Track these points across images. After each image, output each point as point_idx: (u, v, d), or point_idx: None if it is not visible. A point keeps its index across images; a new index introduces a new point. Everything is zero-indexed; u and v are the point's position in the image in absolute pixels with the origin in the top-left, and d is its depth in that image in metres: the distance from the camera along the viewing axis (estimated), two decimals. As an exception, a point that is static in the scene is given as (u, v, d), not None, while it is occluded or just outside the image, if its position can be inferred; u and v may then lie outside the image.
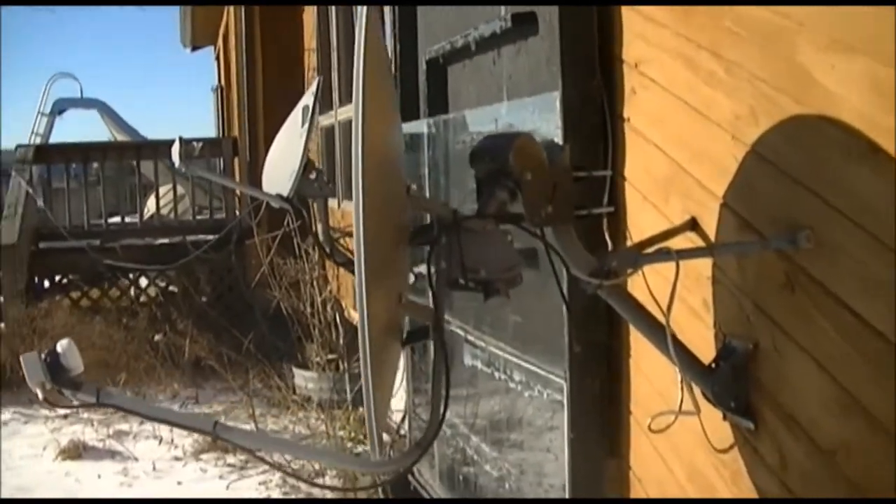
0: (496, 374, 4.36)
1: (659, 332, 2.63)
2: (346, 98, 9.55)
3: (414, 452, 2.15)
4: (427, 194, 5.42)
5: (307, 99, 6.42)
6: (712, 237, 2.84)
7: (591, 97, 3.41)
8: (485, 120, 4.54)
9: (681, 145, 3.01)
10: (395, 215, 2.26)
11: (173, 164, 6.39)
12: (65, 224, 12.51)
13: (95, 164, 13.55)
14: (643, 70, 3.22)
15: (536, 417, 4.02)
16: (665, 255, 2.55)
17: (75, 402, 2.27)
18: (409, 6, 5.72)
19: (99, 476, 7.31)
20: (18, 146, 12.92)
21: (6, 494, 7.22)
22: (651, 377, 3.28)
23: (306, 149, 6.05)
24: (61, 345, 2.24)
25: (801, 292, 2.45)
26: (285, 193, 6.56)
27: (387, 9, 6.03)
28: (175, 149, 6.05)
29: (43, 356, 2.24)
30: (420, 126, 5.49)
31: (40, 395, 2.23)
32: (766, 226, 2.57)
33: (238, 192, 12.14)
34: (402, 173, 2.45)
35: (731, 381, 2.69)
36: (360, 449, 7.27)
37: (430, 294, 2.25)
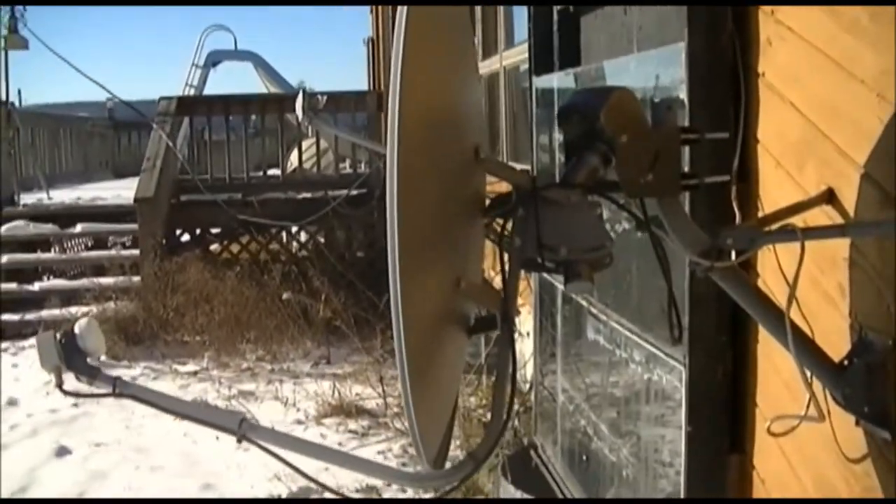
0: (617, 352, 4.01)
1: (780, 324, 2.25)
2: (487, 53, 9.21)
3: (467, 465, 1.83)
4: (558, 158, 5.07)
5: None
6: (850, 212, 2.44)
7: (722, 49, 3.02)
8: (618, 73, 4.18)
9: (819, 105, 2.61)
10: (458, 182, 1.93)
11: (298, 121, 6.18)
12: (206, 177, 12.47)
13: (251, 117, 13.47)
14: (780, 17, 2.81)
15: (655, 403, 3.65)
16: (788, 233, 2.17)
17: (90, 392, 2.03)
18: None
19: (217, 438, 7.17)
20: (161, 98, 12.90)
21: (132, 451, 7.17)
22: (780, 368, 2.89)
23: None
24: (80, 325, 1.99)
25: (954, 283, 2.05)
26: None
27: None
28: (298, 102, 5.85)
29: (59, 337, 2.00)
30: (550, 80, 5.14)
31: (54, 381, 2.00)
32: (914, 203, 2.17)
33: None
34: (473, 134, 2.11)
35: (865, 382, 2.30)
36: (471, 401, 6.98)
37: (501, 274, 1.92)
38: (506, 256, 1.96)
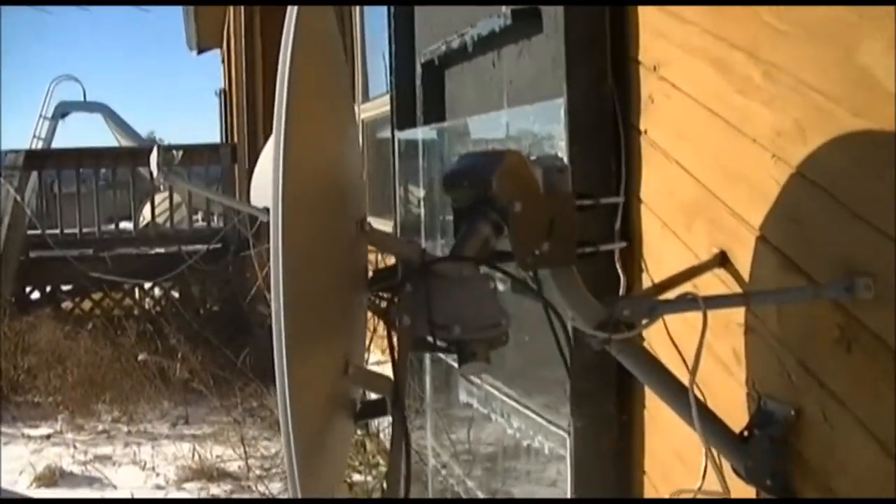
0: (493, 417, 3.86)
1: (681, 397, 2.13)
2: (363, 97, 9.05)
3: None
4: (423, 214, 4.93)
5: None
6: (746, 276, 2.34)
7: (602, 105, 2.91)
8: (487, 129, 4.06)
9: (708, 164, 2.51)
10: (343, 257, 1.76)
11: (151, 175, 5.94)
12: (57, 232, 12.06)
13: (100, 170, 13.08)
14: (664, 74, 2.72)
15: (537, 472, 3.52)
16: (689, 302, 2.06)
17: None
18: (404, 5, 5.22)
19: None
20: (8, 151, 12.47)
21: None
22: (668, 434, 2.78)
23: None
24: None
25: (859, 351, 1.95)
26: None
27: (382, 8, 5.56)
28: (153, 157, 5.60)
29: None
30: (415, 133, 5.01)
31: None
32: (815, 268, 2.07)
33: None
34: (356, 202, 1.95)
35: (768, 454, 2.19)
36: (356, 478, 6.77)
37: (390, 357, 1.75)
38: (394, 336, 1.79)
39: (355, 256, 1.84)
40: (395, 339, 1.78)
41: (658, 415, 2.83)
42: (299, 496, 1.46)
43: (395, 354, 1.76)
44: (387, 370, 1.78)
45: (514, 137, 3.57)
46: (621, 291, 2.86)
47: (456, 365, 1.82)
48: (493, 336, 1.79)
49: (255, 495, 6.79)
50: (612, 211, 2.89)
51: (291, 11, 1.51)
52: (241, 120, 13.10)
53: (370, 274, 1.96)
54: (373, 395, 1.86)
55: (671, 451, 2.78)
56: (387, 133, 5.08)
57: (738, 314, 2.36)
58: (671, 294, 2.33)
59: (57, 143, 22.30)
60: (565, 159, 2.92)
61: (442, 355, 3.78)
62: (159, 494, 7.00)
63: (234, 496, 6.77)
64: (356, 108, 8.51)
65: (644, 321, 2.08)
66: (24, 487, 7.28)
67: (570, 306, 2.04)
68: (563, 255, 1.95)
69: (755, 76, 2.24)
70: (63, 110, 23.39)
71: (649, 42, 2.80)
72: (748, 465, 2.20)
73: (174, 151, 6.12)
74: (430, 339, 1.77)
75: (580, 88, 2.90)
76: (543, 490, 3.56)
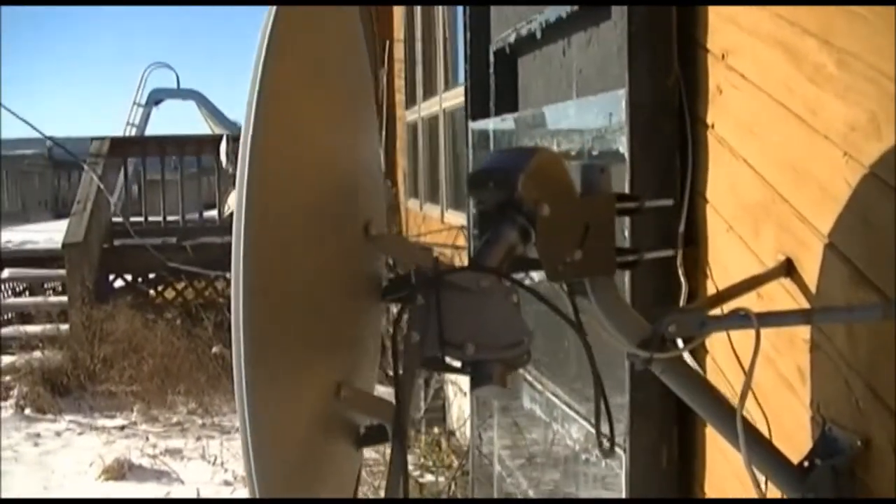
0: (553, 426, 3.66)
1: (730, 422, 1.91)
2: (428, 92, 8.89)
3: None
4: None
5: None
6: (812, 287, 2.11)
7: (667, 96, 2.69)
8: (555, 120, 3.84)
9: (777, 162, 2.28)
10: (341, 264, 1.57)
11: (220, 164, 5.81)
12: (140, 220, 12.06)
13: (184, 158, 13.06)
14: (732, 63, 2.49)
15: (595, 489, 3.31)
16: (742, 319, 1.83)
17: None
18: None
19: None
20: (93, 139, 12.46)
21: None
22: (729, 455, 2.54)
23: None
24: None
25: (936, 378, 1.72)
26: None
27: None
28: (222, 146, 5.48)
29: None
30: (486, 125, 4.80)
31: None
32: (887, 282, 1.84)
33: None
34: (365, 206, 1.74)
35: (829, 486, 1.96)
36: (428, 478, 6.60)
37: (394, 378, 1.56)
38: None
39: (360, 263, 1.66)
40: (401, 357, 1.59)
41: (718, 435, 2.61)
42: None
43: (399, 374, 1.57)
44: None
45: (579, 130, 3.35)
46: (683, 299, 2.64)
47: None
48: (511, 357, 1.59)
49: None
50: (676, 212, 2.68)
51: (270, 12, 1.33)
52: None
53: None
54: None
55: (731, 473, 2.56)
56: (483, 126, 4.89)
57: (803, 330, 2.13)
58: (733, 305, 2.12)
59: (150, 131, 22.47)
60: (626, 155, 2.71)
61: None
62: (225, 490, 6.89)
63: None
64: (439, 98, 8.35)
65: (693, 339, 1.87)
66: (93, 479, 7.23)
67: (609, 320, 1.83)
68: (598, 264, 1.74)
69: (828, 64, 2.01)
70: (156, 97, 23.50)
71: (718, 27, 2.57)
72: (808, 497, 1.98)
73: (244, 140, 6.00)
74: (440, 358, 1.58)
75: (643, 78, 2.68)
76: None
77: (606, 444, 1.83)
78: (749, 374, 1.83)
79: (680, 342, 1.88)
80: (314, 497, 1.47)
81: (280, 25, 1.30)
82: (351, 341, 1.63)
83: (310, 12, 1.45)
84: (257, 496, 1.24)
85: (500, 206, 1.70)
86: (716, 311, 2.13)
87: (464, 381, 6.65)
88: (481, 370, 1.58)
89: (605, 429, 1.93)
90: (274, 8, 1.32)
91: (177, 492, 6.90)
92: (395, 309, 1.69)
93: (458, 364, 1.60)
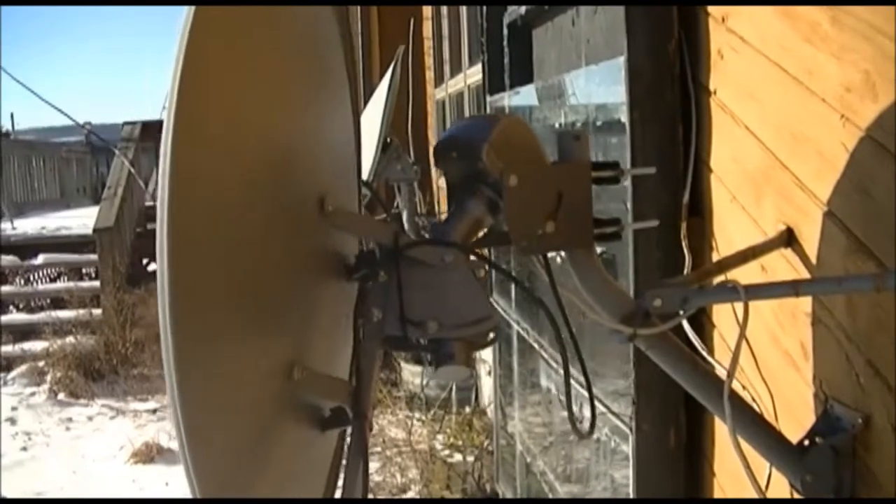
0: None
1: (718, 397, 1.81)
2: (455, 69, 8.79)
3: None
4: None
5: (391, 70, 5.71)
6: (812, 258, 2.01)
7: (668, 63, 2.58)
8: (569, 91, 3.74)
9: (776, 128, 2.17)
10: (295, 241, 1.49)
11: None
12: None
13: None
14: (732, 26, 2.38)
15: (605, 469, 3.21)
16: (729, 291, 1.73)
17: None
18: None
19: (167, 484, 6.72)
20: (125, 123, 12.44)
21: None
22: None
23: (384, 126, 5.36)
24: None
25: (935, 352, 1.62)
26: (365, 177, 5.87)
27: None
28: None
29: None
30: (503, 98, 4.70)
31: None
32: (886, 250, 1.73)
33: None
34: (323, 180, 1.66)
35: (830, 466, 1.86)
36: (456, 458, 6.52)
37: (353, 357, 1.48)
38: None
39: (315, 240, 1.57)
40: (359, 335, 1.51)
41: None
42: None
43: (359, 354, 1.49)
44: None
45: (584, 100, 3.25)
46: (686, 270, 2.54)
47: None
48: (475, 334, 1.50)
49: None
50: (680, 183, 2.58)
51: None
52: (356, 86, 12.90)
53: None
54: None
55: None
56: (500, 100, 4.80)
57: (804, 303, 2.03)
58: (732, 275, 2.02)
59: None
60: (627, 125, 2.61)
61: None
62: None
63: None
64: (463, 74, 8.24)
65: (679, 312, 1.77)
66: (122, 463, 7.21)
67: (590, 295, 1.74)
68: (574, 237, 1.65)
69: (823, 22, 1.90)
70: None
71: (717, -11, 2.46)
72: (806, 479, 1.88)
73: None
74: (402, 337, 1.49)
75: (642, 44, 2.58)
76: (606, 490, 3.26)
77: (585, 427, 1.75)
78: (736, 349, 1.73)
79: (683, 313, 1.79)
80: (270, 484, 1.40)
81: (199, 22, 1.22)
82: (306, 320, 1.55)
83: (239, 11, 1.36)
84: (195, 488, 1.16)
85: (465, 178, 1.61)
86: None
87: (483, 360, 6.56)
88: (443, 349, 1.49)
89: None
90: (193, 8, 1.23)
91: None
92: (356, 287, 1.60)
93: (420, 342, 1.52)
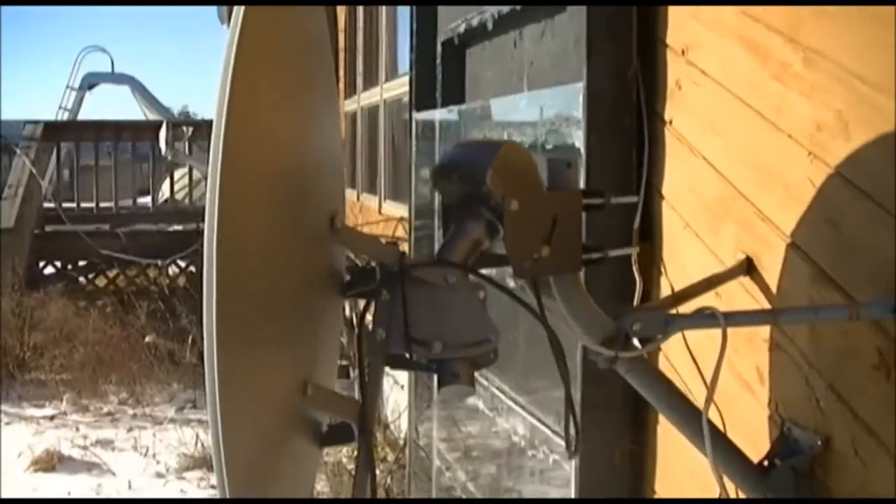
0: (498, 422, 3.63)
1: (694, 422, 1.89)
2: (369, 82, 8.83)
3: None
4: (436, 207, 4.67)
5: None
6: (773, 287, 2.09)
7: (625, 91, 2.66)
8: (505, 113, 3.81)
9: (738, 160, 2.26)
10: (305, 258, 1.53)
11: (159, 150, 5.74)
12: (73, 206, 11.88)
13: (119, 143, 12.87)
14: (693, 59, 2.46)
15: (539, 484, 3.28)
16: (708, 318, 1.81)
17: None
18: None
19: (69, 493, 6.63)
20: (26, 122, 12.25)
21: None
22: (683, 452, 2.53)
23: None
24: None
25: (902, 381, 1.71)
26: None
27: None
28: (162, 133, 5.40)
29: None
30: (433, 115, 4.75)
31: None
32: (852, 283, 1.83)
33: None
34: (329, 197, 1.70)
35: (790, 487, 1.95)
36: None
37: (359, 376, 1.52)
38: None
39: (324, 257, 1.61)
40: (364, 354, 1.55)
41: (672, 432, 2.59)
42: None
43: (364, 372, 1.53)
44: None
45: (531, 123, 3.32)
46: (637, 296, 2.61)
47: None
48: (479, 355, 1.55)
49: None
50: (631, 208, 2.65)
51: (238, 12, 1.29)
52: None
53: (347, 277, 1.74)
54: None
55: (686, 471, 2.54)
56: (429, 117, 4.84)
57: (763, 330, 2.12)
58: (692, 304, 2.10)
59: (83, 115, 22.21)
60: (582, 149, 2.68)
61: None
62: (158, 483, 6.79)
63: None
64: (380, 88, 8.29)
65: (658, 337, 1.84)
66: (22, 471, 7.08)
67: (573, 318, 1.80)
68: (565, 261, 1.71)
69: (794, 62, 1.99)
70: (90, 81, 23.21)
71: (679, 23, 2.54)
72: (767, 497, 1.96)
73: (184, 127, 5.92)
74: (406, 356, 1.53)
75: (602, 72, 2.65)
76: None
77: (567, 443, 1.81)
78: (715, 374, 1.81)
79: (637, 342, 1.86)
80: (276, 497, 1.43)
81: (248, 24, 1.26)
82: (315, 337, 1.59)
83: (277, 11, 1.41)
84: (227, 494, 1.19)
85: (466, 200, 1.66)
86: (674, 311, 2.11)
87: (399, 373, 6.60)
88: (448, 368, 1.53)
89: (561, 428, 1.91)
90: (243, 8, 1.28)
91: (108, 484, 6.78)
92: (360, 304, 1.64)
93: (423, 362, 1.56)
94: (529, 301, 1.69)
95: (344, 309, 1.71)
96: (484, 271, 1.66)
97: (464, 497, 4.17)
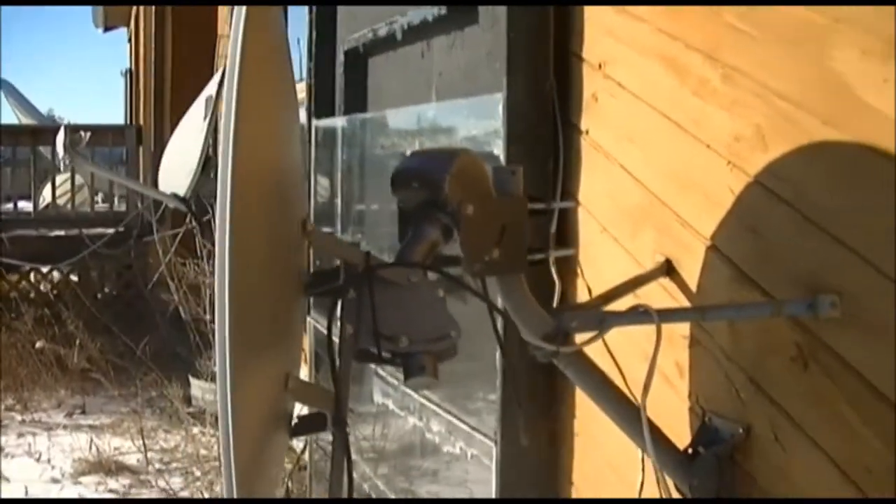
0: (410, 420, 3.74)
1: (627, 413, 2.03)
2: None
3: None
4: (339, 212, 4.76)
5: (210, 89, 5.79)
6: (693, 287, 2.24)
7: (542, 103, 2.80)
8: (414, 122, 3.92)
9: (657, 169, 2.41)
10: (285, 260, 1.62)
11: (56, 155, 5.73)
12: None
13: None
14: (609, 73, 2.61)
15: (458, 481, 3.40)
16: (642, 315, 1.95)
17: None
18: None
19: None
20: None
21: None
22: (602, 443, 2.68)
23: (206, 144, 5.43)
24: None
25: (818, 371, 1.87)
26: (182, 192, 5.92)
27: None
28: (59, 137, 5.39)
29: None
30: (334, 122, 4.85)
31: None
32: (771, 282, 1.98)
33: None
34: (298, 200, 1.81)
35: (714, 472, 2.10)
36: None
37: (331, 369, 1.62)
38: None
39: (298, 258, 1.71)
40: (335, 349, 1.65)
41: (589, 424, 2.73)
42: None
43: (336, 366, 1.62)
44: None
45: (444, 132, 3.44)
46: (556, 298, 2.75)
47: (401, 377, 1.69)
48: (443, 349, 1.66)
49: (155, 491, 6.58)
50: (548, 213, 2.79)
51: (240, 12, 1.38)
52: (147, 102, 12.79)
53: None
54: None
55: (603, 461, 2.69)
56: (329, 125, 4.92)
57: (682, 327, 2.27)
58: (614, 305, 2.24)
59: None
60: (502, 157, 2.81)
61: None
62: (54, 488, 6.73)
63: (133, 492, 6.55)
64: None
65: (594, 333, 1.97)
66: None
67: (517, 316, 1.93)
68: (513, 263, 1.84)
69: (713, 79, 2.15)
70: (-39, 85, 22.79)
71: (596, 39, 2.69)
72: (693, 483, 2.11)
73: (81, 133, 5.92)
74: (374, 350, 1.64)
75: (520, 84, 2.77)
76: (455, 492, 3.45)
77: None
78: (651, 369, 1.95)
79: (579, 337, 1.99)
80: (257, 486, 1.52)
81: (248, 27, 1.35)
82: (290, 333, 1.68)
83: (267, 13, 1.50)
84: (235, 494, 1.28)
85: (423, 206, 1.77)
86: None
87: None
88: (414, 362, 1.64)
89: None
90: (244, 9, 1.36)
91: (4, 490, 6.70)
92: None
93: (388, 357, 1.66)
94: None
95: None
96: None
97: (370, 494, 4.27)
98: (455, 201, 1.73)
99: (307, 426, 1.68)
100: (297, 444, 5.97)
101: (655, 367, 1.96)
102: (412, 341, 1.63)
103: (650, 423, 2.07)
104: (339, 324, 1.66)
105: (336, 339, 1.64)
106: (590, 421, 2.72)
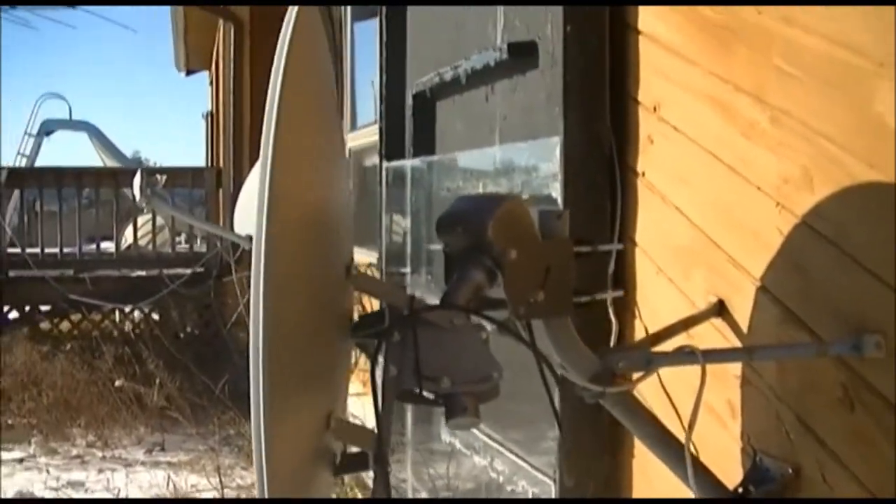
0: (475, 459, 3.76)
1: (675, 453, 2.05)
2: (351, 126, 8.96)
3: None
4: (408, 244, 4.82)
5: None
6: (744, 327, 2.25)
7: (599, 145, 2.83)
8: (478, 164, 3.98)
9: (709, 210, 2.43)
10: (328, 301, 1.67)
11: (132, 197, 5.85)
12: (37, 251, 11.91)
13: (82, 190, 12.95)
14: (664, 115, 2.64)
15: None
16: (688, 355, 1.97)
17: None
18: (398, 29, 5.15)
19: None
20: (-10, 167, 12.33)
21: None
22: (656, 485, 2.69)
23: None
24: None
25: (864, 412, 1.87)
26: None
27: (374, 30, 5.48)
28: (136, 181, 5.49)
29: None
30: (402, 164, 4.92)
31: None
32: (817, 322, 1.99)
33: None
34: (343, 243, 1.86)
35: (764, 512, 2.10)
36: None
37: (374, 409, 1.66)
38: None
39: (341, 301, 1.75)
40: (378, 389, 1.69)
41: (647, 466, 2.74)
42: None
43: (379, 405, 1.66)
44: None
45: (506, 174, 3.48)
46: (613, 339, 2.77)
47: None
48: (484, 390, 1.70)
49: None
50: (605, 255, 2.81)
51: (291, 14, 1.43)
52: (226, 144, 12.97)
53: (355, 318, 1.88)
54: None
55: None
56: (372, 162, 4.99)
57: (734, 366, 2.27)
58: (667, 344, 2.25)
59: (41, 161, 22.32)
60: (559, 200, 2.84)
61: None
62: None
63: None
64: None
65: (640, 374, 2.00)
66: (-7, 513, 7.13)
67: (563, 357, 1.95)
68: (558, 305, 1.86)
69: (761, 121, 2.16)
70: (48, 128, 23.31)
71: (650, 81, 2.72)
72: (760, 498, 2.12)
73: (157, 175, 6.02)
74: (416, 390, 1.68)
75: (577, 127, 2.81)
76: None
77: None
78: (696, 408, 1.95)
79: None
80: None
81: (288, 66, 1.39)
82: (332, 376, 1.72)
83: (310, 35, 1.54)
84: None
85: (468, 250, 1.80)
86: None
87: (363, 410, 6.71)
88: (456, 402, 1.67)
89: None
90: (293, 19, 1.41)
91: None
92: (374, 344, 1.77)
93: (431, 397, 1.70)
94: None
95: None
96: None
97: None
98: (499, 246, 1.76)
99: (351, 465, 1.72)
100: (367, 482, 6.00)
101: (700, 406, 1.96)
102: (454, 382, 1.67)
103: (698, 462, 2.08)
104: (382, 364, 1.70)
105: (379, 380, 1.68)
106: (648, 461, 2.73)
